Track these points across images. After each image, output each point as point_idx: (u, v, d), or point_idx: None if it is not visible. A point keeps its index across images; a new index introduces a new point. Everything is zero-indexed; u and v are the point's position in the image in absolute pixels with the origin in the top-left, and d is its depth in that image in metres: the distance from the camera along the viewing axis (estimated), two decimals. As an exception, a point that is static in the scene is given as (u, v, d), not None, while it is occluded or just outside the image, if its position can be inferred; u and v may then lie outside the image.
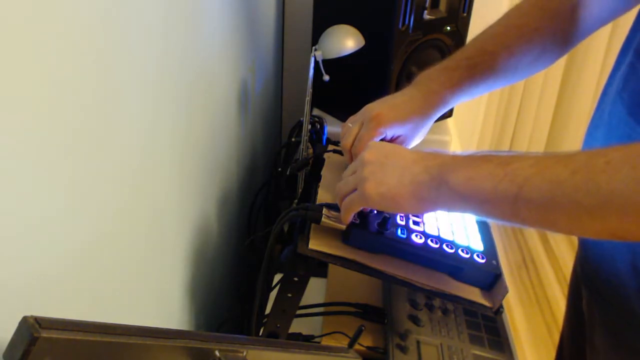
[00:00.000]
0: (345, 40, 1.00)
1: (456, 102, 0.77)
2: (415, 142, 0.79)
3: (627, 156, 0.45)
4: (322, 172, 0.81)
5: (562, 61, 2.30)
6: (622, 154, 0.46)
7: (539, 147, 2.53)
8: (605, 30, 2.18)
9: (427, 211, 0.60)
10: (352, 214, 0.64)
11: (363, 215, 0.68)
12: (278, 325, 0.73)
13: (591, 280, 0.73)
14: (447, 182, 0.55)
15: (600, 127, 0.67)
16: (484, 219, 0.59)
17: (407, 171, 0.58)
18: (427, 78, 0.77)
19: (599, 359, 0.72)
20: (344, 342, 0.80)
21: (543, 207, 0.49)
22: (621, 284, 0.65)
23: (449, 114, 1.44)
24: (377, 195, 0.59)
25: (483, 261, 0.69)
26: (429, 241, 0.68)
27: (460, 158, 0.57)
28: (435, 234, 0.70)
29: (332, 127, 1.35)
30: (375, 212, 0.69)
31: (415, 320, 0.81)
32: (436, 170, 0.56)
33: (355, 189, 0.62)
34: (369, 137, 0.73)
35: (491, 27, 0.78)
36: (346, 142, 0.77)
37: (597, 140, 0.68)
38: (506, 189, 0.50)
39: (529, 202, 0.49)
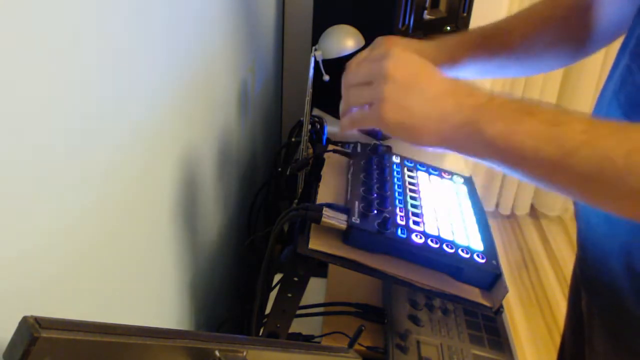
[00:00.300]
0: (345, 40, 1.00)
1: (466, 67, 0.73)
2: None
3: None
4: (322, 172, 0.81)
5: (562, 61, 2.30)
6: None
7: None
8: (605, 30, 2.18)
9: (445, 150, 0.54)
10: (357, 127, 0.58)
11: (363, 215, 0.68)
12: (278, 325, 0.73)
13: (590, 282, 0.73)
14: (481, 131, 0.50)
15: None
16: (508, 171, 0.53)
17: (437, 104, 0.52)
18: (443, 37, 0.75)
19: (598, 358, 0.72)
20: (344, 342, 0.80)
21: (585, 179, 0.47)
22: (617, 285, 0.65)
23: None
24: (395, 122, 0.53)
25: (483, 261, 0.69)
26: (429, 241, 0.68)
27: (498, 104, 0.51)
28: (435, 234, 0.70)
29: (332, 127, 1.35)
30: (375, 212, 0.69)
31: (415, 320, 0.81)
32: (470, 113, 0.51)
33: (370, 103, 0.54)
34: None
35: (507, 16, 0.78)
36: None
37: None
38: (550, 153, 0.47)
39: (571, 170, 0.47)
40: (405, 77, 0.52)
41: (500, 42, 0.74)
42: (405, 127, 0.53)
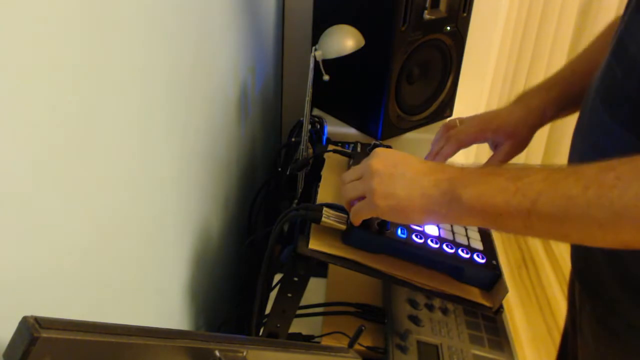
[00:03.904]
0: (345, 40, 1.00)
1: (554, 117, 0.81)
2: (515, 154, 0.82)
3: (636, 170, 0.47)
4: (322, 172, 0.81)
5: (562, 60, 2.30)
6: (630, 167, 0.47)
7: (539, 146, 2.53)
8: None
9: (436, 223, 0.61)
10: (362, 219, 0.65)
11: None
12: (278, 325, 0.73)
13: (581, 271, 0.75)
14: (458, 198, 0.55)
15: (583, 125, 0.69)
16: (494, 230, 0.60)
17: (416, 184, 0.58)
18: (527, 96, 0.82)
19: (588, 347, 0.74)
20: (344, 342, 0.80)
21: (556, 221, 0.50)
22: (603, 273, 0.67)
23: (448, 113, 1.44)
24: (386, 207, 0.60)
25: (483, 261, 0.69)
26: (429, 241, 0.68)
27: (469, 172, 0.57)
28: (435, 234, 0.70)
29: (332, 127, 1.35)
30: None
31: (415, 320, 0.81)
32: (446, 185, 0.57)
33: (363, 196, 0.62)
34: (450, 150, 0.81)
35: (585, 49, 0.82)
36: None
37: (582, 137, 0.69)
38: (519, 204, 0.51)
39: (541, 216, 0.51)
40: (387, 168, 0.60)
41: (582, 87, 0.76)
42: (395, 210, 0.59)
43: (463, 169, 0.58)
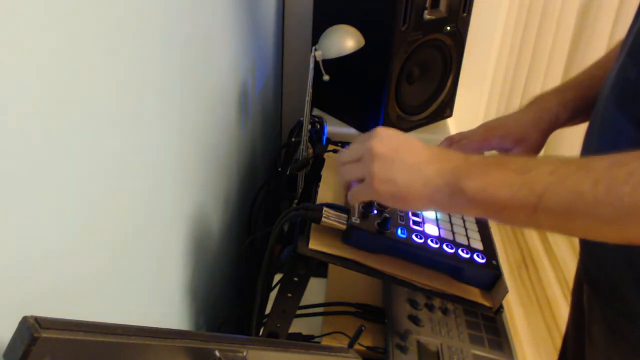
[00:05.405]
0: (345, 40, 1.00)
1: (568, 121, 0.79)
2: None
3: None
4: (322, 172, 0.81)
5: (562, 60, 2.30)
6: None
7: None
8: (605, 32, 2.18)
9: (436, 211, 0.59)
10: (360, 202, 0.63)
11: (363, 216, 0.68)
12: (278, 325, 0.73)
13: (591, 276, 0.74)
14: (462, 190, 0.54)
15: (596, 124, 0.68)
16: (496, 222, 0.59)
17: (418, 172, 0.57)
18: (541, 99, 0.81)
19: (597, 352, 0.73)
20: (344, 342, 0.80)
21: (562, 216, 0.49)
22: (617, 278, 0.66)
23: (448, 113, 1.44)
24: (387, 193, 0.58)
25: (483, 261, 0.69)
26: (429, 241, 0.68)
27: (473, 162, 0.55)
28: (435, 234, 0.70)
29: (332, 127, 1.35)
30: (376, 212, 0.69)
31: (415, 320, 0.81)
32: (450, 176, 0.55)
33: (362, 178, 0.60)
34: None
35: (605, 55, 0.81)
36: None
37: (595, 136, 0.69)
38: (525, 197, 0.50)
39: (548, 210, 0.49)
40: (387, 152, 0.58)
41: (597, 90, 0.75)
42: (395, 196, 0.57)
43: (467, 158, 0.56)
